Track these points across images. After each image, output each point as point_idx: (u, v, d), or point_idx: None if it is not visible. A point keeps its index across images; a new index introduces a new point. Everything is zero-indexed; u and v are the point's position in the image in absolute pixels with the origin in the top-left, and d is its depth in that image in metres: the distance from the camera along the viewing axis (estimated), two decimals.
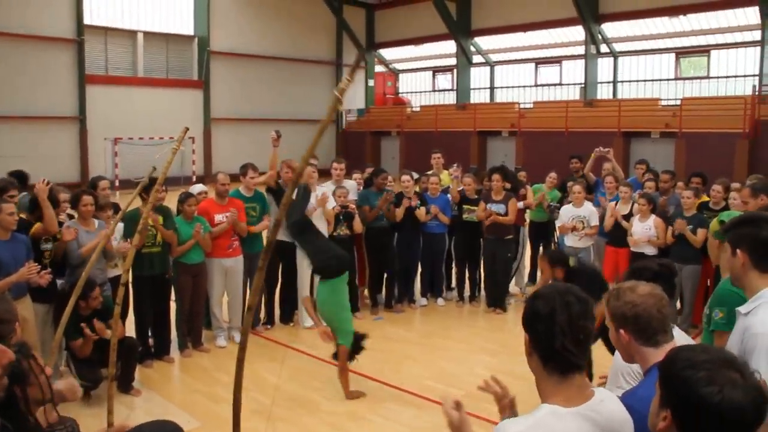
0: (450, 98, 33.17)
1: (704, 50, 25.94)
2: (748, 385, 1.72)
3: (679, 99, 24.20)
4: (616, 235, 8.44)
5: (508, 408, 2.41)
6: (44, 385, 2.70)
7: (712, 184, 8.20)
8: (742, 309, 2.85)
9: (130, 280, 7.02)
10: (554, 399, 2.03)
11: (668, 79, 26.72)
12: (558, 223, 9.09)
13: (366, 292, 9.21)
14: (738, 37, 24.75)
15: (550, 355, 2.03)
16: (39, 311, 5.96)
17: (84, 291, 5.48)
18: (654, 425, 1.88)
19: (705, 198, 8.28)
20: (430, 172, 9.92)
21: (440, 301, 9.47)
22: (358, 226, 8.49)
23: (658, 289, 2.56)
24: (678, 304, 8.03)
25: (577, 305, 2.03)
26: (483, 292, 9.54)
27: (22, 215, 5.92)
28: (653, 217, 8.01)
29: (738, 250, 2.86)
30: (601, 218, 8.76)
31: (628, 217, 8.37)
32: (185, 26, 29.10)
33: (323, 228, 8.26)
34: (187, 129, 4.78)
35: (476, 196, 9.14)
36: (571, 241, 8.82)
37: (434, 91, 35.44)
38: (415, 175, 9.61)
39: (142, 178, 5.95)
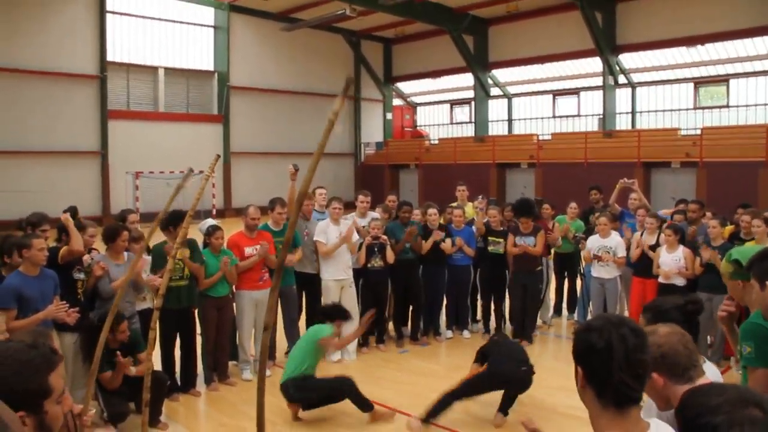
0: (468, 131, 33.26)
1: (723, 79, 25.89)
2: None
3: (698, 128, 24.16)
4: (643, 266, 8.36)
5: None
6: (72, 429, 2.67)
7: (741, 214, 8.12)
8: None
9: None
10: None
11: (687, 109, 26.64)
12: (584, 253, 9.04)
13: (391, 324, 9.16)
14: (757, 65, 24.69)
15: (607, 389, 1.97)
16: (67, 342, 5.96)
17: (112, 324, 5.48)
18: None
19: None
20: (454, 204, 9.91)
21: (466, 333, 9.39)
22: (390, 257, 8.51)
23: (677, 327, 2.56)
24: (710, 338, 7.92)
25: (633, 338, 1.97)
26: (508, 324, 9.45)
27: (52, 244, 5.95)
28: (682, 247, 7.94)
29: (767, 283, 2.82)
30: (628, 249, 8.70)
31: (654, 247, 8.30)
32: (205, 62, 29.54)
33: (348, 260, 8.27)
34: (219, 156, 4.79)
35: (501, 228, 9.11)
36: (597, 271, 8.77)
37: (452, 123, 35.56)
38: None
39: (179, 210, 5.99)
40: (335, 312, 6.91)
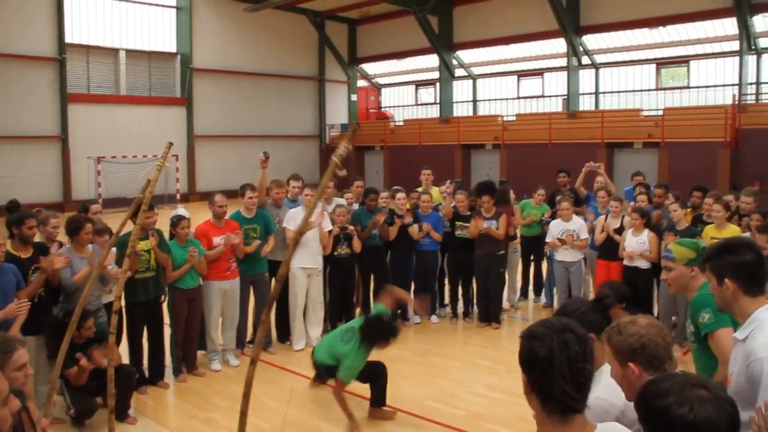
0: (433, 112, 33.29)
1: (684, 60, 26.26)
2: (717, 398, 1.82)
3: (660, 109, 24.49)
4: (607, 248, 8.48)
5: None
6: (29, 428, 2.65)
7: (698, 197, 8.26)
8: (738, 335, 2.88)
9: (124, 305, 6.97)
10: None
11: (649, 90, 26.99)
12: (548, 238, 9.12)
13: (359, 310, 9.17)
14: (716, 47, 25.07)
15: (550, 398, 1.98)
16: (30, 343, 5.83)
17: (78, 321, 5.40)
18: None
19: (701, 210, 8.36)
20: (420, 189, 9.91)
21: (434, 318, 9.45)
22: (357, 245, 8.49)
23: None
24: (673, 318, 8.07)
25: (575, 345, 1.98)
26: (476, 308, 9.53)
27: (9, 248, 5.74)
28: (647, 231, 8.05)
29: (726, 279, 2.91)
30: (591, 231, 8.81)
31: (619, 231, 8.41)
32: (167, 43, 29.06)
33: (317, 248, 8.23)
34: (171, 144, 4.69)
35: (468, 213, 9.15)
36: (561, 255, 8.87)
37: (417, 105, 35.57)
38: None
39: (133, 196, 5.85)
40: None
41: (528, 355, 2.02)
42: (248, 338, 8.31)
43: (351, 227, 8.47)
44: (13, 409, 2.17)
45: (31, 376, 5.48)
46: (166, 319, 7.37)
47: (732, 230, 7.37)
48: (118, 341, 6.75)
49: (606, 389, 2.79)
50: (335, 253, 8.39)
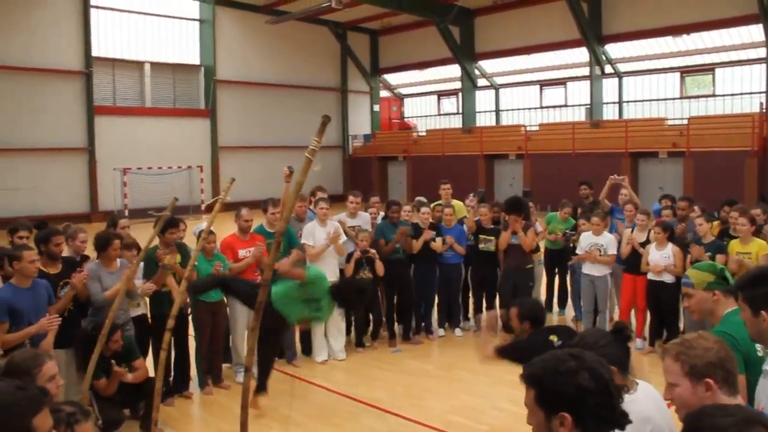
0: (455, 122, 33.29)
1: (709, 68, 26.02)
2: None
3: (685, 118, 24.27)
4: (633, 262, 8.41)
5: None
6: None
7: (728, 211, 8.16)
8: (767, 367, 2.82)
9: (150, 317, 7.07)
10: None
11: (674, 99, 26.78)
12: (578, 251, 9.05)
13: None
14: (742, 54, 24.85)
15: (600, 426, 1.99)
16: (60, 356, 5.92)
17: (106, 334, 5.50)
18: None
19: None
20: (441, 202, 9.91)
21: (458, 331, 9.43)
22: (380, 269, 8.50)
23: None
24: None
25: (604, 367, 2.04)
26: (500, 322, 9.49)
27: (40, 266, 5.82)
28: (671, 245, 7.99)
29: (762, 312, 2.81)
30: (618, 245, 8.74)
31: (644, 244, 8.35)
32: (191, 56, 29.39)
33: (335, 264, 8.27)
34: (234, 180, 4.81)
35: (492, 226, 9.14)
36: (588, 268, 8.81)
37: (440, 115, 35.59)
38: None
39: (161, 211, 5.94)
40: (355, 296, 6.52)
41: (572, 392, 1.98)
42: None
43: (372, 251, 8.51)
44: None
45: (62, 389, 5.61)
46: (191, 331, 7.44)
47: (758, 244, 7.27)
48: (145, 355, 6.86)
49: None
50: (357, 276, 8.45)
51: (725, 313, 3.43)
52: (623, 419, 2.01)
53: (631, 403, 2.18)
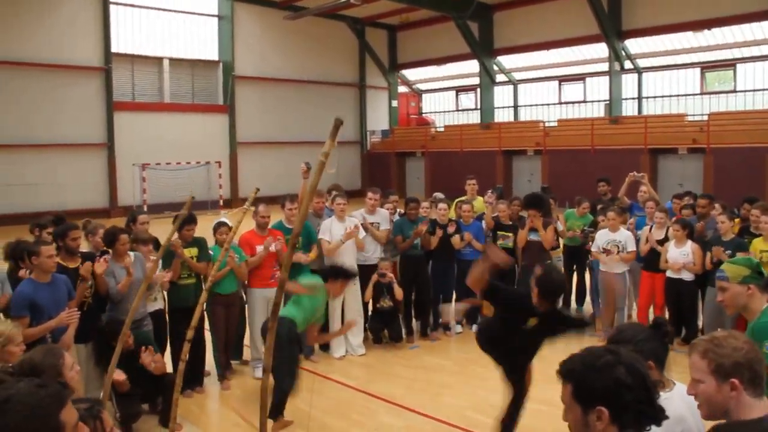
0: (474, 117, 33.19)
1: (730, 64, 25.74)
2: None
3: (705, 114, 24.05)
4: (652, 260, 8.35)
5: None
6: None
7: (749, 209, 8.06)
8: None
9: (167, 311, 7.11)
10: None
11: (694, 94, 26.52)
12: (593, 249, 9.00)
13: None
14: (764, 50, 24.51)
15: (636, 421, 1.99)
16: (80, 351, 5.99)
17: (115, 329, 5.55)
18: None
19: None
20: (463, 198, 9.88)
21: (475, 327, 9.39)
22: (399, 294, 8.57)
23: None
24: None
25: (640, 363, 2.04)
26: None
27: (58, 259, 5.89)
28: (690, 242, 7.92)
29: None
30: (637, 243, 8.68)
31: (663, 242, 8.28)
32: (210, 52, 29.48)
33: (353, 258, 8.30)
34: (258, 189, 4.83)
35: (510, 222, 9.11)
36: (604, 265, 8.74)
37: (458, 110, 35.48)
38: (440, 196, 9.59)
39: (177, 202, 5.97)
40: (339, 272, 6.70)
41: (610, 386, 2.00)
42: None
43: (390, 275, 8.57)
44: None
45: (83, 383, 5.67)
46: (207, 325, 7.47)
47: None
48: (163, 349, 6.90)
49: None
50: (377, 306, 8.60)
51: (762, 309, 3.40)
52: (660, 415, 2.01)
53: (665, 400, 2.16)
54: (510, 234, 8.99)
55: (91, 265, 6.05)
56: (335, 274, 6.63)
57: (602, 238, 8.73)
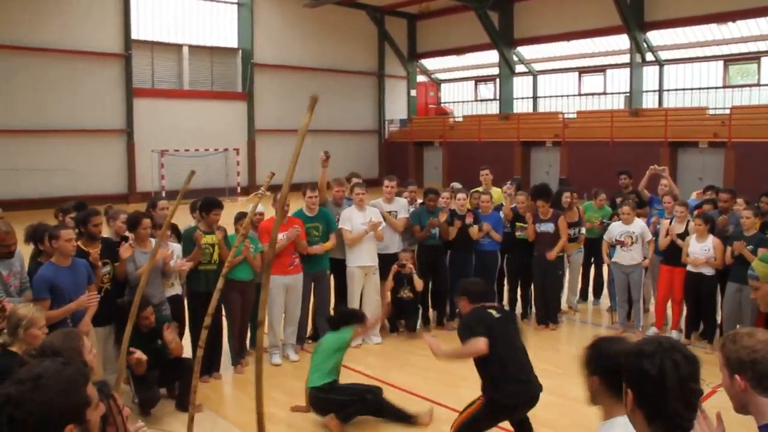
0: (492, 108, 33.04)
1: (754, 57, 25.43)
2: None
3: (727, 107, 23.79)
4: (671, 254, 8.29)
5: None
6: (121, 426, 2.77)
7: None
8: None
9: (186, 295, 7.16)
10: None
11: (716, 87, 26.24)
12: (605, 238, 8.96)
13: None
14: None
15: (659, 416, 1.99)
16: (99, 334, 6.05)
17: (143, 307, 5.62)
18: None
19: None
20: (480, 189, 9.85)
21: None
22: (419, 284, 8.54)
23: None
24: (739, 327, 7.85)
25: (686, 366, 2.00)
26: (533, 310, 9.45)
27: (79, 244, 5.95)
28: (711, 237, 7.85)
29: None
30: (655, 235, 8.62)
31: (683, 236, 8.21)
32: (229, 39, 29.50)
33: (374, 247, 8.32)
34: (273, 174, 4.82)
35: (529, 214, 9.09)
36: (618, 257, 8.69)
37: (476, 100, 35.34)
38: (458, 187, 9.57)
39: (196, 188, 6.01)
40: (353, 318, 6.73)
41: (638, 372, 2.03)
42: (308, 334, 8.41)
43: (410, 266, 8.53)
44: (100, 413, 2.32)
45: (101, 366, 5.73)
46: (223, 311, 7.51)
47: None
48: (181, 335, 6.94)
49: None
50: (398, 296, 8.56)
51: None
52: (687, 423, 2.02)
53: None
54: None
55: (99, 254, 6.12)
56: (346, 322, 6.60)
57: (616, 229, 8.70)
